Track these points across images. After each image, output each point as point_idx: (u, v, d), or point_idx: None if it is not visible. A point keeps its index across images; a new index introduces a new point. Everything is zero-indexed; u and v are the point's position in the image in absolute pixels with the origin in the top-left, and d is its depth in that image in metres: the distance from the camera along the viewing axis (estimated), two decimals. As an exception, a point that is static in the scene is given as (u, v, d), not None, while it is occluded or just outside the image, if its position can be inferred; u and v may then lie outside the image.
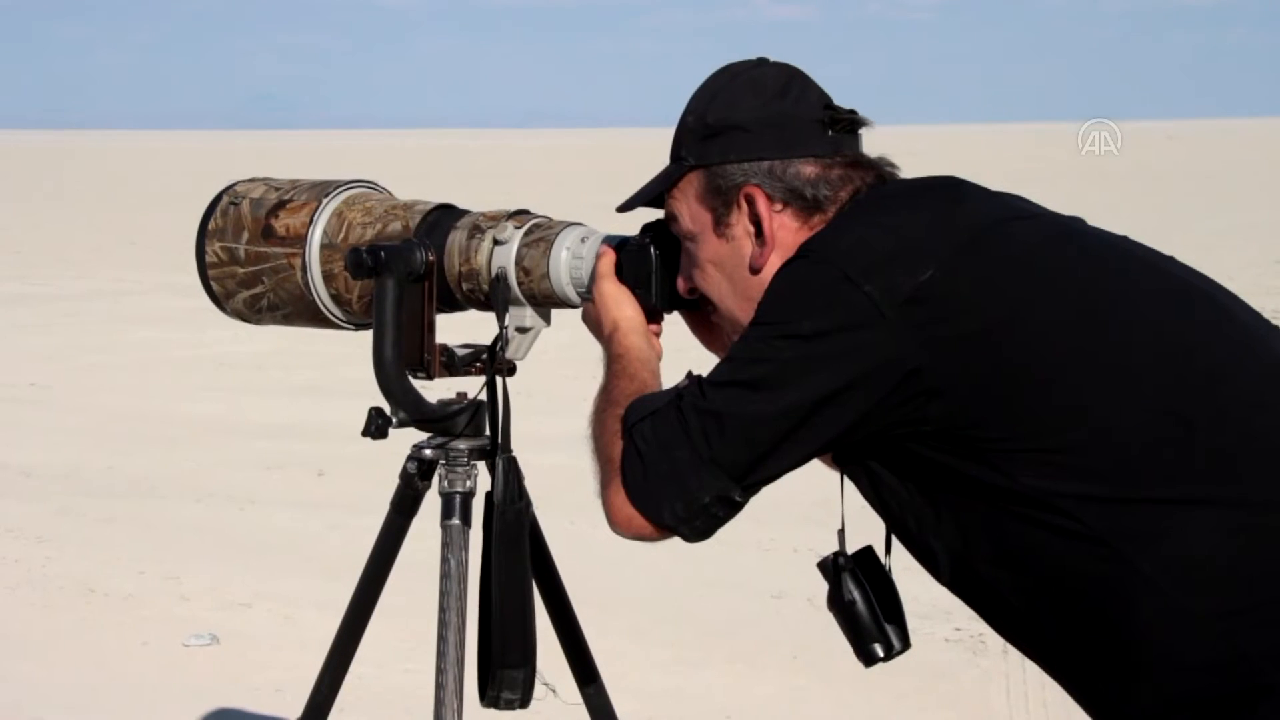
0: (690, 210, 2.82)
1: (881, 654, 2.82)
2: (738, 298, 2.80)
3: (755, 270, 2.76)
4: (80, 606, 7.24)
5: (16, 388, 13.22)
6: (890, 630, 2.83)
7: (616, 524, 2.68)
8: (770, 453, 2.58)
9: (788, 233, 2.75)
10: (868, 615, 2.82)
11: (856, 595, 2.82)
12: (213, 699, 6.02)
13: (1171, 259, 2.72)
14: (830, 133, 2.76)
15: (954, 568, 2.62)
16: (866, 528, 2.83)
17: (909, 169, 2.87)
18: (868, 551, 2.85)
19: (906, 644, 2.85)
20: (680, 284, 2.93)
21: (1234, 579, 2.46)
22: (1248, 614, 2.45)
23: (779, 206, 2.75)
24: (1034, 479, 2.49)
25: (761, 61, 2.84)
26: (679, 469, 2.60)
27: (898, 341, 2.52)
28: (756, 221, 2.76)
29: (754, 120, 2.75)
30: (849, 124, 2.78)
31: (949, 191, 2.75)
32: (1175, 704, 2.48)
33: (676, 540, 2.70)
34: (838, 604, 2.84)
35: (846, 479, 2.73)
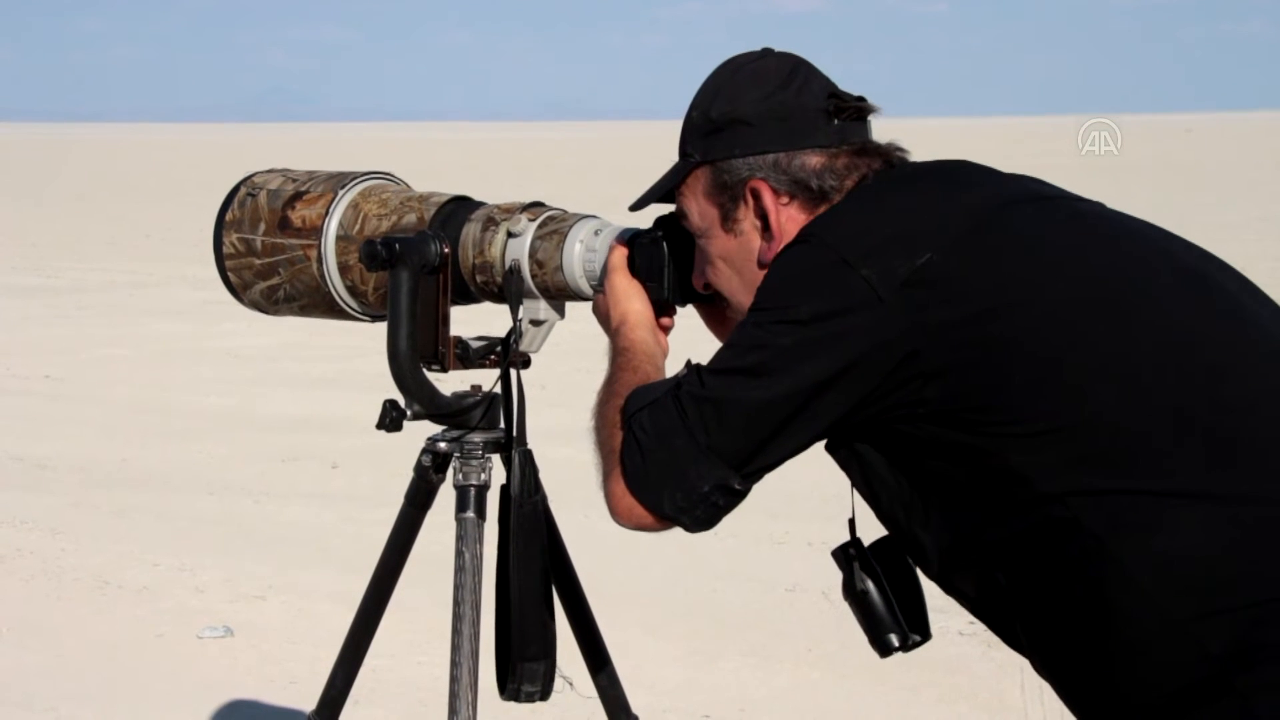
0: (699, 206, 2.81)
1: (896, 644, 2.81)
2: (748, 291, 2.77)
3: (764, 264, 2.75)
4: (95, 598, 7.26)
5: (31, 380, 13.25)
6: (906, 621, 2.82)
7: (618, 514, 2.68)
8: (769, 440, 2.57)
9: (795, 225, 2.73)
10: (882, 605, 2.81)
11: (869, 585, 2.82)
12: (227, 691, 6.03)
13: (1190, 245, 2.70)
14: (836, 121, 2.74)
15: (942, 560, 2.61)
16: (881, 519, 2.82)
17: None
18: (888, 541, 2.84)
19: (926, 635, 2.84)
20: (696, 280, 2.92)
21: (1216, 581, 2.43)
22: (1222, 616, 2.42)
23: (785, 199, 2.74)
24: (1027, 465, 2.47)
25: (766, 52, 2.82)
26: (677, 458, 2.59)
27: (895, 325, 2.51)
28: (763, 215, 2.74)
29: (757, 114, 2.74)
30: (855, 111, 2.76)
31: (954, 174, 2.74)
32: (1146, 702, 2.47)
33: (690, 533, 2.69)
34: (851, 593, 2.83)
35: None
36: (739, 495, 2.61)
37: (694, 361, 2.68)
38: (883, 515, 2.66)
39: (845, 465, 2.67)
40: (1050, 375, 2.49)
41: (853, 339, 2.52)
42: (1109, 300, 2.54)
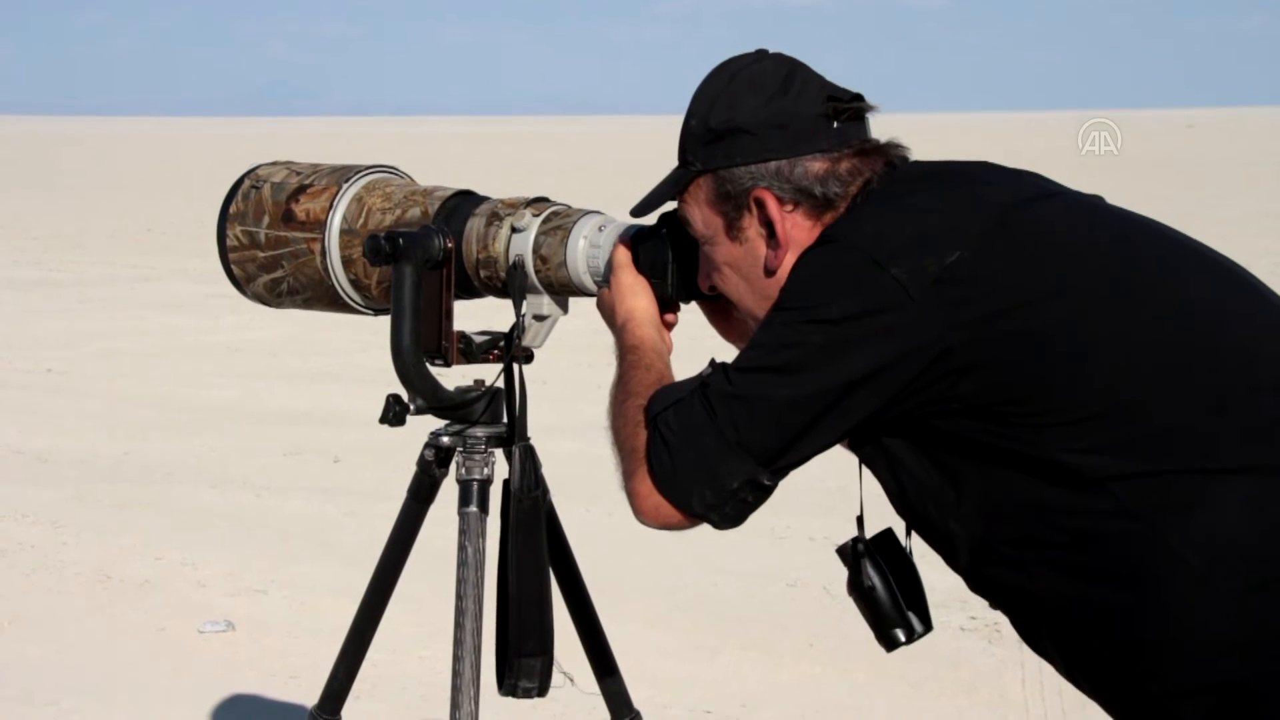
0: (702, 214, 2.81)
1: (904, 639, 2.83)
2: (756, 297, 2.79)
3: (770, 272, 2.76)
4: (96, 592, 7.25)
5: (32, 373, 13.24)
6: (911, 614, 2.83)
7: (643, 514, 2.67)
8: (799, 437, 2.58)
9: (801, 232, 2.74)
10: (888, 600, 2.83)
11: (876, 581, 2.83)
12: (228, 685, 6.02)
13: (1195, 240, 2.73)
14: (835, 124, 2.75)
15: (973, 552, 2.62)
16: (885, 512, 2.82)
17: (926, 158, 2.86)
18: (888, 534, 2.85)
19: (928, 626, 2.86)
20: (701, 282, 2.92)
21: (1264, 554, 2.46)
22: (1275, 588, 2.45)
23: (790, 207, 2.74)
24: (1065, 453, 2.49)
25: (760, 55, 2.82)
26: (706, 456, 2.60)
27: (927, 324, 2.52)
28: (768, 224, 2.75)
29: (757, 121, 2.74)
30: (853, 112, 2.76)
31: (967, 174, 2.75)
32: (1200, 683, 2.48)
33: (718, 530, 2.69)
34: (858, 590, 2.84)
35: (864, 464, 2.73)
36: (767, 491, 2.62)
37: (718, 360, 2.68)
38: (909, 510, 2.67)
39: (870, 460, 2.68)
40: (1083, 365, 2.51)
41: (885, 338, 2.53)
42: (1134, 288, 2.56)
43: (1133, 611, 2.50)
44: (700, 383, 2.65)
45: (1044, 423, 2.50)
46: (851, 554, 2.85)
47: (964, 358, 2.52)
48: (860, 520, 2.86)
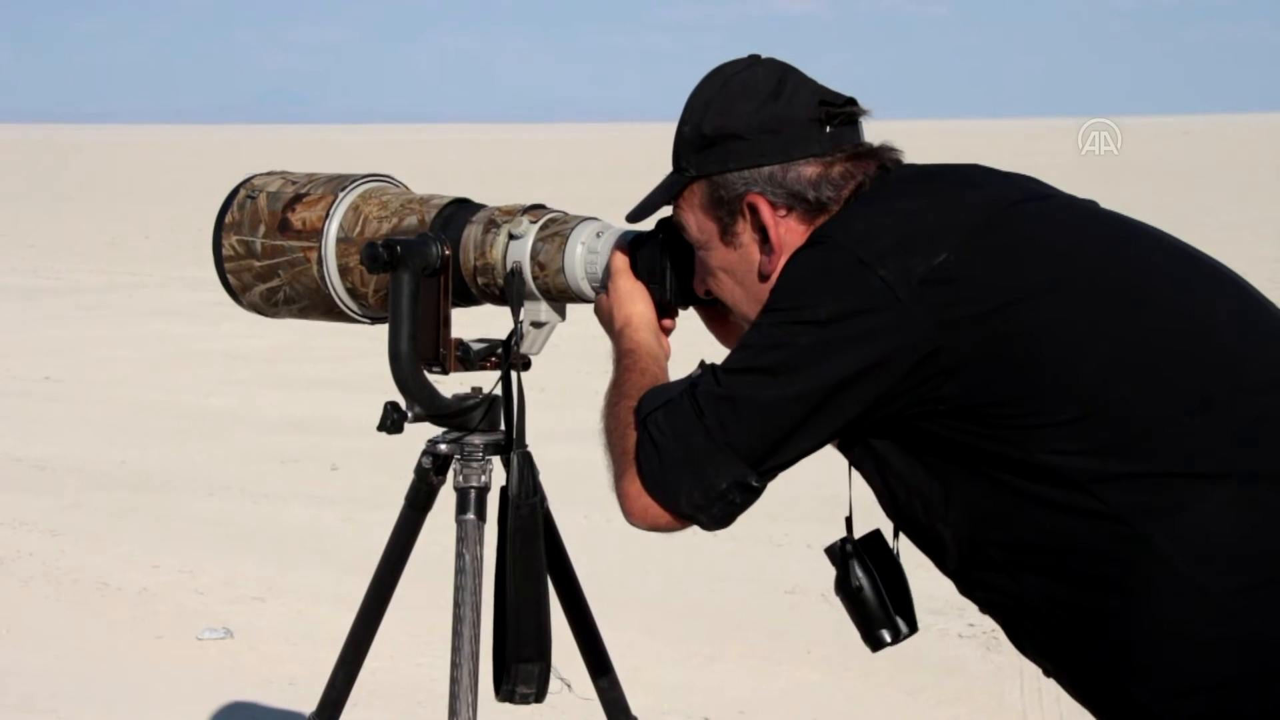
0: (697, 220, 2.82)
1: (889, 639, 2.83)
2: (751, 302, 2.79)
3: (765, 276, 2.76)
4: (94, 600, 7.26)
5: (30, 381, 13.25)
6: (898, 615, 2.84)
7: (632, 515, 2.67)
8: (787, 438, 2.58)
9: (795, 236, 2.74)
10: (875, 601, 2.83)
11: (864, 581, 2.83)
12: (226, 692, 6.03)
13: (1185, 243, 2.73)
14: (828, 129, 2.75)
15: (961, 554, 2.62)
16: (877, 514, 2.83)
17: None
18: (875, 535, 2.86)
19: (913, 628, 2.86)
20: (697, 287, 2.93)
21: (1249, 555, 2.46)
22: (1261, 590, 2.45)
23: (783, 212, 2.75)
24: (1050, 455, 2.49)
25: (753, 61, 2.82)
26: (695, 456, 2.60)
27: (914, 324, 2.52)
28: (762, 229, 2.75)
29: (750, 127, 2.74)
30: (846, 116, 2.77)
31: (962, 175, 2.75)
32: (1189, 685, 2.47)
33: (689, 535, 2.69)
34: (845, 590, 2.85)
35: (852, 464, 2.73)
36: (755, 493, 2.62)
37: (708, 362, 2.69)
38: (898, 512, 2.67)
39: (859, 462, 2.68)
40: (1070, 366, 2.51)
41: (872, 339, 2.53)
42: (1121, 290, 2.57)
43: (1119, 614, 2.49)
44: (690, 383, 2.66)
45: (1030, 424, 2.50)
46: (840, 554, 2.85)
47: (951, 359, 2.52)
48: (849, 521, 2.86)
